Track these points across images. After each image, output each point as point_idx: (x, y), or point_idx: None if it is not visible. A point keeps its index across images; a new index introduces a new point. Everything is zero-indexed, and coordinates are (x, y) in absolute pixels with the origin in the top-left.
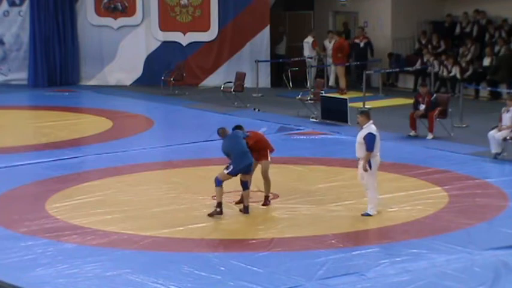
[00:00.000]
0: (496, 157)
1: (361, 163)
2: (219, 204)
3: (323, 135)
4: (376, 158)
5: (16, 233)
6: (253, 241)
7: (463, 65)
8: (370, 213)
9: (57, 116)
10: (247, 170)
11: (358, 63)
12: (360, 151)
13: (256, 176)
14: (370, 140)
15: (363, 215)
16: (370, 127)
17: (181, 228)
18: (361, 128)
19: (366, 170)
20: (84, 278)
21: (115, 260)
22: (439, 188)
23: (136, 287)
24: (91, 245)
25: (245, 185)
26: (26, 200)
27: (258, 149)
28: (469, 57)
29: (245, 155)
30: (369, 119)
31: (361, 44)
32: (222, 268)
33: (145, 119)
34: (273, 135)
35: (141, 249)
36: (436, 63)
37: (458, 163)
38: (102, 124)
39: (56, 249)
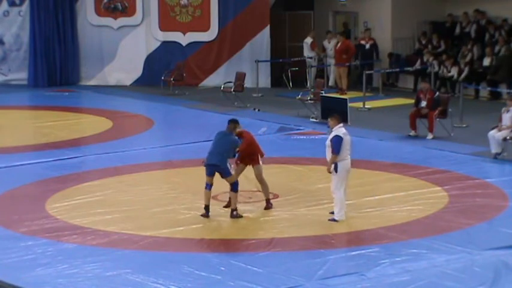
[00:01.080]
0: (496, 157)
1: (332, 167)
2: (206, 207)
3: (323, 135)
4: (345, 162)
5: (16, 233)
6: (253, 241)
7: (462, 65)
8: (336, 219)
9: (57, 116)
10: (216, 170)
11: (359, 63)
12: (329, 154)
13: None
14: (336, 142)
15: (329, 220)
16: (339, 130)
17: (181, 228)
18: (331, 131)
19: (329, 172)
20: (84, 278)
21: (115, 260)
22: (439, 188)
23: (136, 287)
24: (91, 245)
25: (232, 187)
26: (26, 200)
27: (249, 154)
28: (468, 57)
29: (211, 154)
30: (338, 122)
31: (367, 46)
32: (222, 268)
33: (145, 119)
34: (273, 135)
35: (141, 249)
36: (435, 63)
37: (458, 163)
38: (102, 124)
39: (56, 249)
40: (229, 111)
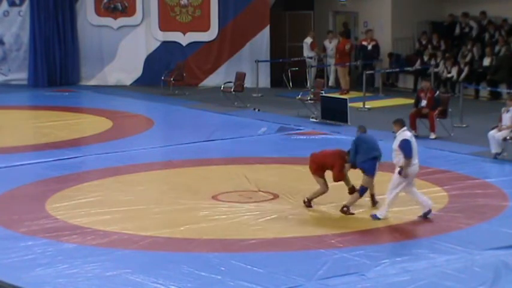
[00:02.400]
0: (496, 157)
1: (397, 169)
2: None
3: (323, 135)
4: (414, 167)
5: (16, 233)
6: (253, 241)
7: (462, 65)
8: (379, 217)
9: (57, 116)
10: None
11: (359, 63)
12: (396, 158)
13: (258, 177)
14: (406, 145)
15: (371, 215)
16: (403, 134)
17: (181, 228)
18: (396, 136)
19: (400, 173)
20: (84, 278)
21: (115, 260)
22: (439, 188)
23: (136, 287)
24: (91, 245)
25: (359, 189)
26: (26, 200)
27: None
28: (468, 57)
29: None
30: (402, 125)
31: (369, 47)
32: (222, 268)
33: (145, 119)
34: (273, 135)
35: (141, 249)
36: (442, 63)
37: (458, 163)
38: (102, 124)
39: (56, 249)
40: (229, 111)
